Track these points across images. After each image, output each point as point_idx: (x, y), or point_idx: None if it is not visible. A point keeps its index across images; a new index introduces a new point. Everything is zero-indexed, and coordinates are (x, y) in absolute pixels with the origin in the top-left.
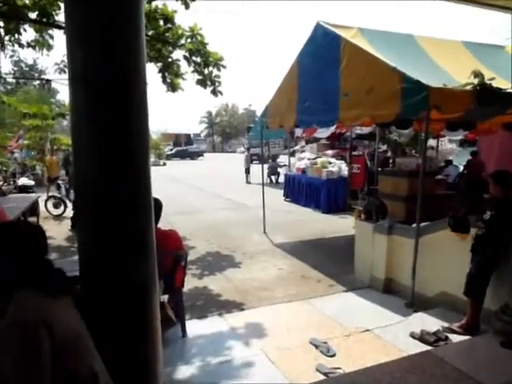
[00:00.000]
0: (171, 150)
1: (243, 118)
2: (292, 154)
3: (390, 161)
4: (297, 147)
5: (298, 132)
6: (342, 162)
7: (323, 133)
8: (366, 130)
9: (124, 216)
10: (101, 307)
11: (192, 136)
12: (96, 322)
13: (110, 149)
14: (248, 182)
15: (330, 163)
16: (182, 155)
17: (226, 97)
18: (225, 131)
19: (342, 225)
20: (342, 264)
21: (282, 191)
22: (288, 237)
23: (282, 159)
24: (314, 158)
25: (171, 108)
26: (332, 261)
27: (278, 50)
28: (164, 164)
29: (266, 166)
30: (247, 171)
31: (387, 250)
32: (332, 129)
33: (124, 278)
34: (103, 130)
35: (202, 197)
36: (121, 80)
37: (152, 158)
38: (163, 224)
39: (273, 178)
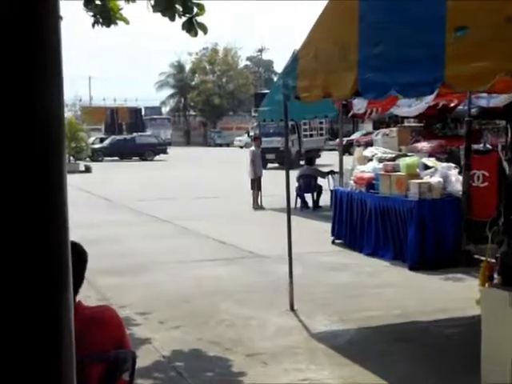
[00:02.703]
0: (101, 140)
1: (247, 76)
2: (347, 150)
3: None
4: (356, 135)
5: (360, 106)
6: (452, 165)
7: (410, 107)
8: (499, 100)
9: (15, 281)
10: None
11: (144, 113)
12: None
13: None
14: (258, 207)
15: (427, 167)
16: (124, 152)
17: (213, 35)
18: (210, 103)
19: (451, 295)
20: (457, 376)
21: (329, 226)
22: (340, 319)
23: (327, 160)
24: (393, 159)
25: (102, 59)
26: (435, 370)
27: None
28: (87, 170)
29: (294, 174)
30: (256, 184)
31: None
32: (429, 99)
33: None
34: None
35: (164, 236)
36: (11, 11)
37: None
38: (87, 294)
39: (307, 198)
